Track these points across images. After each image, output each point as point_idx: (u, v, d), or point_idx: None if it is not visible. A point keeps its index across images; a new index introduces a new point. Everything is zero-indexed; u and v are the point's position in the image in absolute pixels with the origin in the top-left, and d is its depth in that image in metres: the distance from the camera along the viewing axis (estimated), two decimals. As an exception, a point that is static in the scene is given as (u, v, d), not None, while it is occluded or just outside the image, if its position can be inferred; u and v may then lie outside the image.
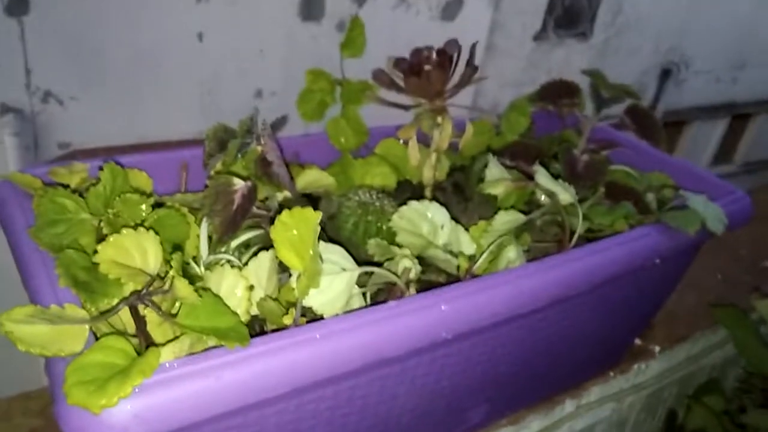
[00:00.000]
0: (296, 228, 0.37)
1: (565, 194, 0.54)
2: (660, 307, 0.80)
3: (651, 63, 1.37)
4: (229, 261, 0.46)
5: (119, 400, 0.32)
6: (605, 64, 1.25)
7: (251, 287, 0.44)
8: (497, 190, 0.55)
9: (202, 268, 0.47)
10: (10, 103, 0.67)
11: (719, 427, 0.92)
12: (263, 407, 0.41)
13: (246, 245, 0.51)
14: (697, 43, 1.37)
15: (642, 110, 0.71)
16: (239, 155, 0.46)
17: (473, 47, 0.59)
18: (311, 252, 0.37)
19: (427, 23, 0.88)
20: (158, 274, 0.38)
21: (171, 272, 0.36)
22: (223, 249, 0.49)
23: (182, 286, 0.36)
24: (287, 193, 0.51)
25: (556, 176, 0.60)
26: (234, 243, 0.49)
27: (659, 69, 1.40)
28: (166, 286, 0.36)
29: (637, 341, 0.88)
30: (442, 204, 0.54)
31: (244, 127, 0.47)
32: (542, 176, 0.54)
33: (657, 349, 0.88)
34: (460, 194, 0.66)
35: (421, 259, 0.52)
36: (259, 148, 0.46)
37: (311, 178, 0.61)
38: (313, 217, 0.37)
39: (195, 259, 0.48)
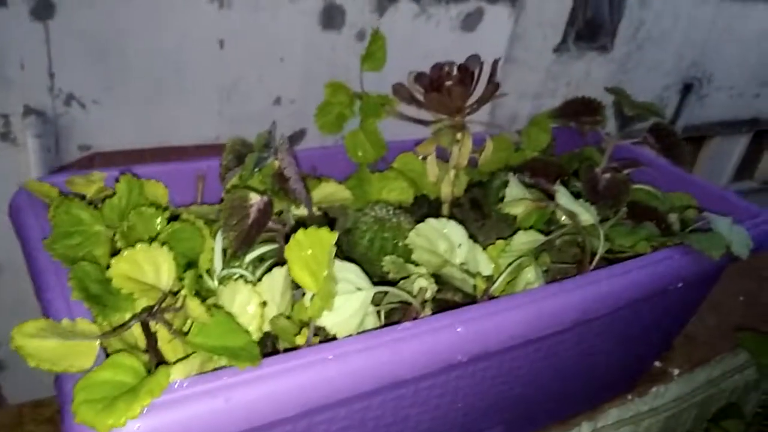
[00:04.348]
0: (311, 248, 0.36)
1: (586, 215, 0.53)
2: (681, 329, 0.78)
3: (672, 77, 1.35)
4: (242, 276, 0.46)
5: (127, 420, 0.31)
6: (626, 78, 1.24)
7: (264, 303, 0.43)
8: (517, 210, 0.54)
9: (216, 282, 0.47)
10: (33, 105, 0.68)
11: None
12: (272, 429, 0.40)
13: (260, 259, 0.50)
14: (720, 59, 1.36)
15: (666, 129, 0.70)
16: (256, 169, 0.46)
17: (495, 64, 0.58)
18: (325, 273, 0.36)
19: (447, 34, 0.87)
20: (171, 291, 0.37)
21: (183, 291, 0.36)
22: (237, 263, 0.48)
23: (194, 306, 0.35)
24: (304, 208, 0.50)
25: (576, 195, 0.59)
26: (248, 257, 0.49)
27: (681, 84, 1.38)
28: (178, 304, 0.36)
29: (657, 363, 0.86)
30: (459, 221, 0.53)
31: (261, 141, 0.47)
32: (563, 196, 0.53)
33: (676, 372, 0.86)
34: (478, 211, 0.65)
35: (437, 277, 0.51)
36: (277, 163, 0.46)
37: (328, 191, 0.60)
38: (328, 238, 0.37)
39: (209, 272, 0.47)
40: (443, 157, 0.62)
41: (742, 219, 0.66)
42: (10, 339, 0.34)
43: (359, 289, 0.42)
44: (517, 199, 0.53)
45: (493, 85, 0.56)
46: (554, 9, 1.04)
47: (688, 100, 1.41)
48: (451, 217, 0.59)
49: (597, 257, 0.53)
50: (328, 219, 0.56)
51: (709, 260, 0.59)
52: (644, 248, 0.61)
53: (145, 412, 0.32)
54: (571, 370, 0.64)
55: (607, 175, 0.67)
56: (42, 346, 0.34)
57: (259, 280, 0.45)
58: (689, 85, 1.41)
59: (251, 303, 0.42)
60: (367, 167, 0.67)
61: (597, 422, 0.77)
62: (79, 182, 0.50)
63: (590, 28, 1.15)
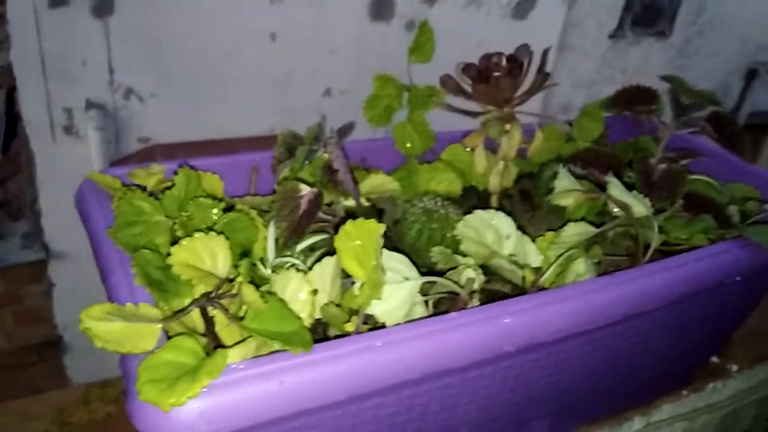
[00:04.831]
0: (359, 238, 0.37)
1: (640, 206, 0.52)
2: (740, 324, 0.76)
3: (736, 63, 1.30)
4: (294, 265, 0.47)
5: (187, 399, 0.33)
6: (686, 64, 1.20)
7: (315, 291, 0.44)
8: (567, 202, 0.53)
9: (269, 270, 0.48)
10: (94, 99, 0.71)
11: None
12: (323, 411, 0.41)
13: (311, 249, 0.52)
14: None
15: (724, 117, 0.67)
16: (307, 162, 0.47)
17: (545, 53, 0.57)
18: (374, 263, 0.37)
19: (498, 22, 0.86)
20: (227, 278, 0.39)
21: (239, 278, 0.37)
22: (289, 252, 0.50)
23: (249, 292, 0.37)
24: (352, 200, 0.51)
25: (630, 186, 0.58)
26: (300, 246, 0.50)
27: (745, 69, 1.33)
28: (234, 291, 0.37)
29: (714, 359, 0.83)
30: (508, 212, 0.53)
31: (311, 134, 0.48)
32: (615, 187, 0.52)
33: (734, 368, 0.83)
34: (528, 203, 0.65)
35: (485, 268, 0.51)
36: (326, 156, 0.47)
37: (376, 183, 0.61)
38: (376, 229, 0.37)
39: (262, 260, 0.49)
40: (492, 148, 0.62)
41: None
42: (78, 321, 0.36)
43: (407, 278, 0.42)
44: (567, 190, 0.53)
45: (542, 76, 0.55)
46: None
47: (752, 86, 1.36)
48: (500, 208, 0.59)
49: (651, 250, 0.52)
50: (376, 210, 0.57)
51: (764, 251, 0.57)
52: (701, 241, 0.60)
53: (204, 392, 0.34)
54: (622, 364, 0.63)
55: (663, 166, 0.65)
56: (108, 329, 0.36)
57: (310, 268, 0.47)
58: (754, 70, 1.36)
59: (303, 291, 0.44)
60: (416, 159, 0.67)
61: (650, 417, 0.76)
62: (140, 174, 0.52)
63: (648, 13, 1.12)
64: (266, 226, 0.49)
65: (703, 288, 0.55)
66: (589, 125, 0.76)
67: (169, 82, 0.73)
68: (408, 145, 0.67)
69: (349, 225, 0.38)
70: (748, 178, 0.72)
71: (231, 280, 0.40)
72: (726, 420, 0.91)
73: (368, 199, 0.60)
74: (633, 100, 0.70)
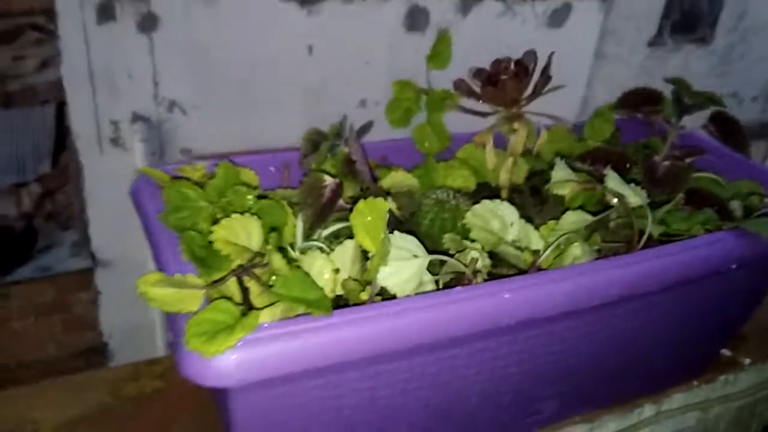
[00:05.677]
0: (370, 215, 0.43)
1: (635, 197, 0.57)
2: (749, 317, 0.78)
3: None
4: (319, 248, 0.53)
5: (225, 349, 0.39)
6: (729, 70, 1.20)
7: (337, 270, 0.51)
8: (563, 191, 0.58)
9: (297, 253, 0.55)
10: (139, 111, 0.77)
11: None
12: (342, 372, 0.47)
13: (335, 236, 0.58)
14: None
15: (726, 117, 0.71)
16: (329, 155, 0.53)
17: (550, 58, 0.63)
18: (381, 235, 0.43)
19: (534, 31, 0.89)
20: (260, 252, 0.45)
21: (269, 248, 0.44)
22: (314, 237, 0.56)
23: (277, 260, 0.43)
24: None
25: (636, 182, 0.62)
26: (324, 233, 0.56)
27: None
28: (265, 261, 0.44)
29: (727, 352, 0.86)
30: (518, 206, 0.59)
31: (334, 131, 0.54)
32: (612, 179, 0.57)
33: (747, 361, 0.86)
34: (537, 197, 0.70)
35: (493, 255, 0.57)
36: (346, 150, 0.53)
37: (397, 179, 0.67)
38: (383, 206, 0.43)
39: (291, 245, 0.55)
40: (503, 146, 0.67)
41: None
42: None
43: (416, 256, 0.48)
44: (563, 180, 0.58)
45: (545, 78, 0.60)
46: (648, 1, 1.03)
47: None
48: (510, 201, 0.65)
49: (645, 237, 0.56)
50: (386, 193, 0.62)
51: (762, 241, 0.61)
52: (700, 232, 0.64)
53: (239, 345, 0.40)
54: (626, 349, 0.67)
55: (667, 163, 0.69)
56: (160, 293, 0.43)
57: (333, 251, 0.53)
58: None
59: (326, 269, 0.50)
60: (433, 157, 0.73)
61: (661, 405, 0.79)
62: (186, 170, 0.59)
63: (687, 20, 1.12)
64: (295, 214, 0.56)
65: (698, 275, 0.59)
66: (600, 126, 0.80)
67: (210, 94, 0.78)
68: (426, 144, 0.73)
69: (361, 203, 0.44)
70: (753, 175, 0.75)
71: (263, 255, 0.46)
72: (742, 413, 0.93)
73: (389, 194, 0.66)
74: (639, 101, 0.74)
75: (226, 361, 0.40)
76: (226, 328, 0.40)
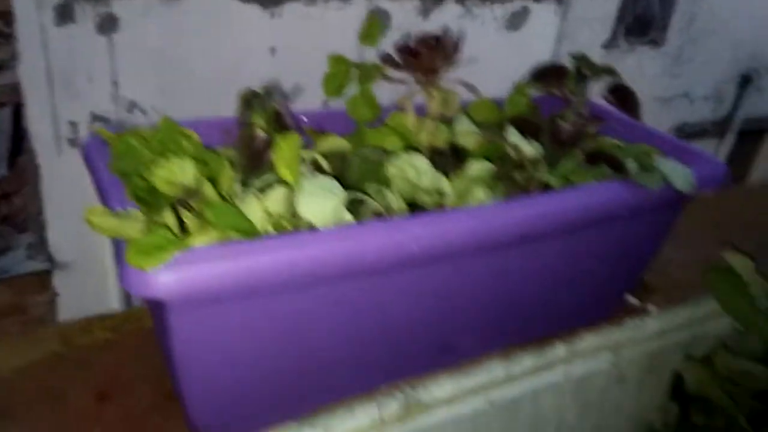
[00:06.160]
0: (287, 148, 0.50)
1: (531, 150, 0.65)
2: (647, 264, 0.88)
3: (730, 70, 1.34)
4: (253, 194, 0.60)
5: (162, 264, 0.46)
6: (680, 71, 1.25)
7: (268, 212, 0.58)
8: (466, 142, 0.66)
9: (234, 201, 0.61)
10: (98, 112, 0.77)
11: (719, 391, 0.97)
12: (268, 295, 0.54)
13: (269, 186, 0.65)
14: None
15: (623, 88, 0.81)
16: (261, 112, 0.60)
17: (458, 34, 0.71)
18: (298, 165, 0.50)
19: (493, 34, 0.92)
20: (195, 189, 0.52)
21: (202, 180, 0.50)
22: (250, 188, 0.63)
23: (209, 190, 0.50)
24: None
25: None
26: (259, 183, 0.63)
27: (739, 76, 1.38)
28: (199, 191, 0.50)
29: (633, 300, 0.96)
30: (440, 165, 0.67)
31: (265, 91, 0.61)
32: (512, 134, 0.65)
33: (653, 308, 0.96)
34: (456, 158, 0.78)
35: (414, 205, 0.64)
36: (275, 105, 0.60)
37: (331, 143, 0.74)
38: (296, 139, 0.50)
39: (229, 194, 0.62)
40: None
41: (698, 164, 0.76)
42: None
43: (334, 193, 0.55)
44: (466, 132, 0.66)
45: (453, 49, 0.69)
46: (602, 5, 1.08)
47: (747, 92, 1.41)
48: (432, 162, 0.72)
49: (537, 182, 0.65)
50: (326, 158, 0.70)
51: (649, 191, 0.70)
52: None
53: (175, 262, 0.47)
54: (534, 289, 0.75)
55: (569, 127, 0.78)
56: (105, 222, 0.49)
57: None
58: (748, 77, 1.40)
59: (258, 211, 0.57)
60: (365, 125, 0.80)
61: (573, 345, 0.88)
62: (132, 128, 0.65)
63: (640, 23, 1.16)
64: (233, 170, 0.62)
65: (590, 218, 0.68)
66: (519, 99, 0.89)
67: (170, 95, 0.76)
68: (359, 114, 0.80)
69: (279, 139, 0.51)
70: (650, 140, 0.85)
71: (198, 194, 0.53)
72: (654, 360, 1.03)
73: (324, 156, 0.73)
74: (549, 74, 0.83)
75: (161, 274, 0.46)
76: (163, 247, 0.47)
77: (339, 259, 0.54)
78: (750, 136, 1.50)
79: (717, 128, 1.48)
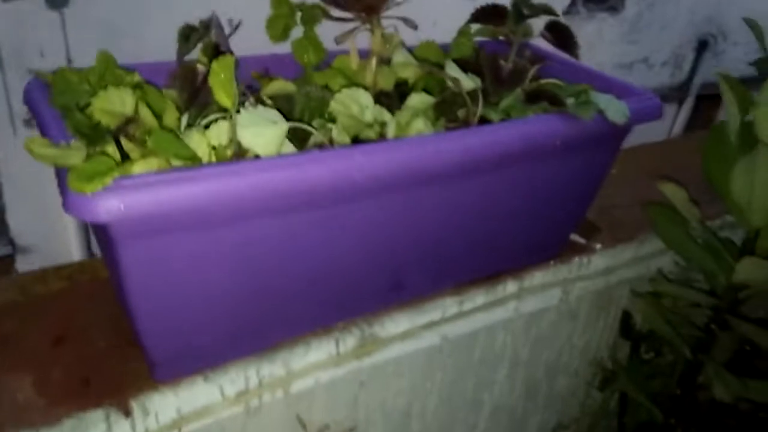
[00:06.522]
0: (223, 72, 0.51)
1: (469, 82, 0.67)
2: (590, 202, 0.91)
3: (687, 35, 1.36)
4: (196, 129, 0.61)
5: (102, 187, 0.47)
6: (639, 38, 1.27)
7: (213, 147, 0.59)
8: (406, 74, 0.68)
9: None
10: None
11: (664, 324, 1.02)
12: (216, 226, 0.55)
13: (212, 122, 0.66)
14: (735, 13, 1.34)
15: (560, 26, 0.83)
16: (199, 44, 0.61)
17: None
18: (233, 88, 0.51)
19: (455, 3, 0.92)
20: (135, 116, 0.53)
21: (142, 109, 0.51)
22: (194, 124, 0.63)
23: (148, 115, 0.50)
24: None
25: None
26: (202, 121, 0.64)
27: (696, 41, 1.40)
28: (138, 118, 0.51)
29: (580, 239, 1.00)
30: (386, 106, 0.68)
31: (203, 25, 0.61)
32: (450, 67, 0.67)
33: (598, 246, 1.00)
34: (400, 99, 0.79)
35: (357, 142, 0.66)
36: (213, 38, 0.61)
37: (278, 87, 0.75)
38: (230, 60, 0.51)
39: (172, 130, 0.63)
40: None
41: (634, 99, 0.79)
42: (25, 146, 0.49)
43: (275, 123, 0.56)
44: (403, 63, 0.67)
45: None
46: None
47: (704, 57, 1.43)
48: (377, 102, 0.74)
49: (477, 114, 0.67)
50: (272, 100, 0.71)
51: (585, 122, 0.73)
52: (533, 117, 0.75)
53: (114, 186, 0.48)
54: (480, 226, 0.78)
55: (510, 65, 0.80)
56: (46, 152, 0.49)
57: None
58: (704, 42, 1.42)
59: (202, 144, 0.58)
60: (312, 69, 0.81)
61: (522, 282, 0.92)
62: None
63: None
64: (176, 108, 0.63)
65: (527, 149, 0.70)
66: (463, 43, 0.91)
67: None
68: (305, 57, 0.81)
69: (213, 63, 0.52)
70: (590, 80, 0.87)
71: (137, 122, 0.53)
72: (602, 296, 1.07)
73: (270, 98, 0.74)
74: (487, 15, 0.85)
75: (103, 197, 0.47)
76: (104, 173, 0.48)
77: (280, 187, 0.55)
78: (708, 100, 1.54)
79: (676, 93, 1.51)
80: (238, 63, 0.57)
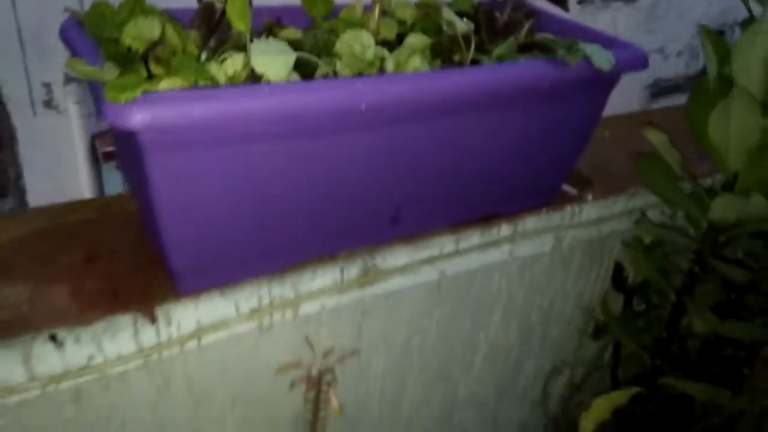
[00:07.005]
0: (239, 1, 0.58)
1: (463, 25, 0.73)
2: (580, 150, 0.97)
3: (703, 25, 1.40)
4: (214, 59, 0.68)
5: (133, 98, 0.54)
6: (654, 27, 1.28)
7: (227, 74, 0.65)
8: (405, 14, 0.74)
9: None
10: (72, 73, 0.74)
11: (653, 271, 1.08)
12: (233, 143, 0.62)
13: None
14: (751, 3, 1.39)
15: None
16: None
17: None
18: (248, 15, 0.58)
19: None
20: (162, 40, 0.60)
21: (169, 32, 0.58)
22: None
23: (174, 37, 0.57)
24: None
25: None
26: (222, 57, 0.71)
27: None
28: (165, 41, 0.58)
29: (572, 190, 1.05)
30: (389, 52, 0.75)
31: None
32: (445, 11, 0.73)
33: (590, 197, 1.05)
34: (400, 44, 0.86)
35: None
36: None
37: (288, 34, 0.82)
38: None
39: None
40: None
41: (622, 51, 0.85)
42: (65, 64, 0.56)
43: (285, 52, 0.63)
44: (403, 3, 0.74)
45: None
46: None
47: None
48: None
49: (470, 54, 0.73)
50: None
51: (573, 67, 0.79)
52: (525, 63, 0.81)
53: (143, 99, 0.55)
54: (475, 164, 0.84)
55: (505, 18, 0.86)
56: (86, 68, 0.56)
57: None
58: (721, 32, 1.45)
59: (220, 75, 0.65)
60: (320, 19, 0.88)
61: (516, 226, 0.98)
62: (105, 13, 0.72)
63: None
64: (196, 46, 0.70)
65: (517, 89, 0.76)
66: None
67: None
68: (314, 9, 0.88)
69: (231, -7, 0.59)
70: (584, 35, 0.93)
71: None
72: (593, 246, 1.13)
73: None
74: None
75: (135, 106, 0.54)
76: (135, 86, 0.55)
77: (291, 110, 0.62)
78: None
79: (691, 83, 1.53)
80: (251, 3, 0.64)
